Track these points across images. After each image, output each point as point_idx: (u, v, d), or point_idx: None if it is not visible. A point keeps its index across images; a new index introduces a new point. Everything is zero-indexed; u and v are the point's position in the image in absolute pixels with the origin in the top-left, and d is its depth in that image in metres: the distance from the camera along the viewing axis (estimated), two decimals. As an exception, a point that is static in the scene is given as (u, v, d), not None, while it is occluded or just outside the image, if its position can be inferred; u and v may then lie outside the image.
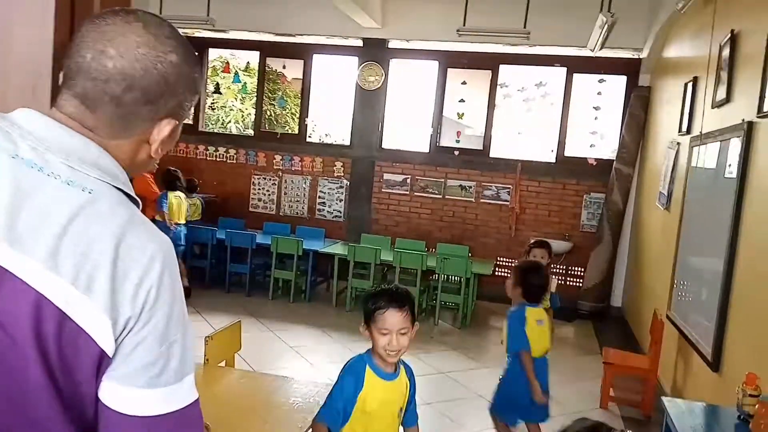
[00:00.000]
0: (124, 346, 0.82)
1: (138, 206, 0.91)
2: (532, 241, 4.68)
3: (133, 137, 0.91)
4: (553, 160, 7.17)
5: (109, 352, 0.81)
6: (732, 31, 3.55)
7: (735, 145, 3.29)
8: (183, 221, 6.18)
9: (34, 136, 0.85)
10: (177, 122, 0.94)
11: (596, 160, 7.04)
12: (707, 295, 3.51)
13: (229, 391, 2.49)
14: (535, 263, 3.56)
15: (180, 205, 6.17)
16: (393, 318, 2.03)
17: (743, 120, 3.17)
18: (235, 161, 7.98)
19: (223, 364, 2.78)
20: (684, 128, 4.64)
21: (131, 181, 0.93)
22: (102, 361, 0.81)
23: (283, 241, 6.39)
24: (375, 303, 2.07)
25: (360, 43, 7.41)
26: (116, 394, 0.83)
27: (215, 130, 9.15)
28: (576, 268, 7.04)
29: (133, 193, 0.91)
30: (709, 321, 3.34)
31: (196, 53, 0.97)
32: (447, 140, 7.51)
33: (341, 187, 7.65)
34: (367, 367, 2.10)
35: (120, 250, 0.82)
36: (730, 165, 3.36)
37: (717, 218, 3.44)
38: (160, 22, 0.91)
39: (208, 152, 8.06)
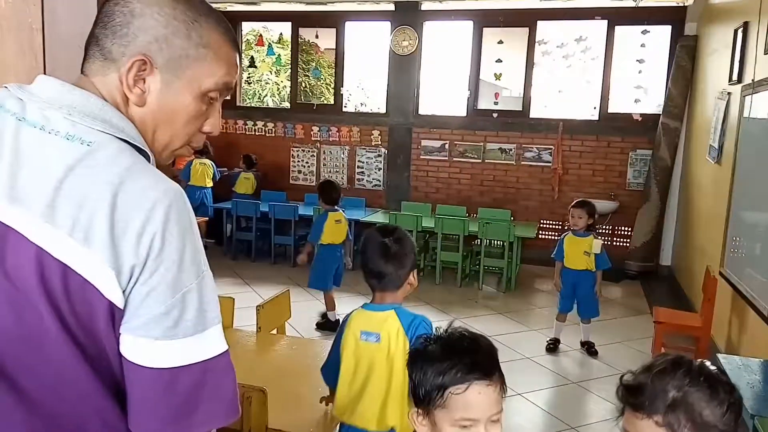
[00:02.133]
0: (134, 297, 0.81)
1: (148, 159, 0.90)
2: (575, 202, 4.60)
3: (112, 79, 0.90)
4: (596, 118, 6.96)
5: (119, 303, 0.81)
6: (787, -31, 3.34)
7: (792, 91, 3.13)
8: (206, 185, 7.03)
9: (41, 97, 0.87)
10: (146, 60, 0.89)
11: (641, 115, 6.80)
12: (763, 250, 3.39)
13: (283, 357, 2.56)
14: (329, 181, 5.20)
15: (204, 170, 7.01)
16: (481, 397, 1.15)
17: (801, 64, 3.01)
18: (273, 134, 8.04)
19: (274, 331, 2.85)
20: (735, 77, 4.43)
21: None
22: (114, 313, 0.81)
23: (324, 212, 6.44)
24: (443, 374, 1.16)
25: (392, 7, 7.28)
26: (133, 346, 0.82)
27: (252, 105, 9.21)
28: (623, 228, 6.88)
29: (143, 146, 0.89)
30: (765, 276, 3.24)
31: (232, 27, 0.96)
32: (485, 103, 7.37)
33: (379, 155, 7.63)
34: None
35: (118, 199, 0.80)
36: (786, 113, 3.21)
37: (773, 169, 3.30)
38: None
39: (246, 126, 8.13)
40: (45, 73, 0.96)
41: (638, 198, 6.69)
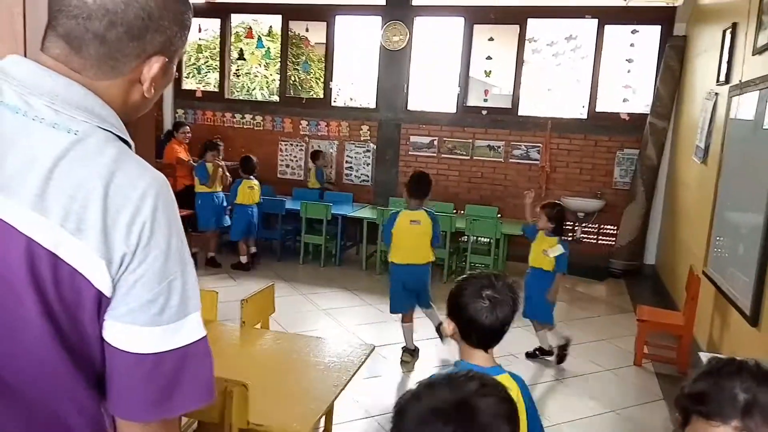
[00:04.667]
0: (122, 285, 0.82)
1: (131, 148, 0.90)
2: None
3: (123, 77, 0.89)
4: (585, 116, 6.99)
5: (107, 292, 0.82)
6: (776, -29, 3.36)
7: (777, 93, 3.15)
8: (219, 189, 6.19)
9: (18, 81, 0.84)
10: (167, 59, 0.91)
11: (629, 114, 6.84)
12: (746, 250, 3.42)
13: (267, 352, 2.54)
14: (248, 156, 6.21)
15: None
16: None
17: (787, 66, 3.02)
18: (261, 128, 7.99)
19: (258, 326, 2.83)
20: (722, 78, 4.46)
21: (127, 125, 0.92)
22: (101, 301, 0.82)
23: (312, 207, 6.42)
24: None
25: (383, 1, 7.25)
26: (119, 332, 0.83)
27: (240, 97, 9.14)
28: (608, 227, 6.92)
29: (125, 136, 0.89)
30: (747, 276, 3.27)
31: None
32: (474, 100, 7.37)
33: (368, 151, 7.61)
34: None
35: (110, 189, 0.81)
36: (771, 115, 3.23)
37: (756, 171, 3.32)
38: None
39: (234, 119, 8.07)
40: None
41: (624, 197, 6.73)
